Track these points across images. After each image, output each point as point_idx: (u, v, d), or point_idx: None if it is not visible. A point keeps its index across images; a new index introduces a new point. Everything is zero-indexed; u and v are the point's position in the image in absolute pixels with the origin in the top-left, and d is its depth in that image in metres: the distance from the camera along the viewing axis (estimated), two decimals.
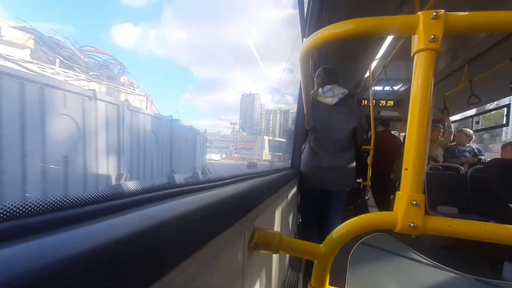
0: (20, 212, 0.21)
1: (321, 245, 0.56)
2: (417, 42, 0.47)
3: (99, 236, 0.19)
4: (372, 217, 0.53)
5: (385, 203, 3.10)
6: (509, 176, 2.20)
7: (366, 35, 0.52)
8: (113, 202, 0.31)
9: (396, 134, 4.37)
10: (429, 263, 0.62)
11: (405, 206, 0.48)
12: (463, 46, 2.47)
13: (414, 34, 0.48)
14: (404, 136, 4.12)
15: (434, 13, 0.45)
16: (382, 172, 2.73)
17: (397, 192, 0.50)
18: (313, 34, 0.56)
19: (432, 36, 0.45)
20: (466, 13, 0.46)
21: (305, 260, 1.62)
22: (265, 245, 0.56)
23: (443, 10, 0.46)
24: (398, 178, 3.39)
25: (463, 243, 2.31)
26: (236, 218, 0.43)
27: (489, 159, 2.78)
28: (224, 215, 0.38)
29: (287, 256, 1.42)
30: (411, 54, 0.49)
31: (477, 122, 3.27)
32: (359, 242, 0.62)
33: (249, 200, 0.50)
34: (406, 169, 0.49)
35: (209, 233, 0.33)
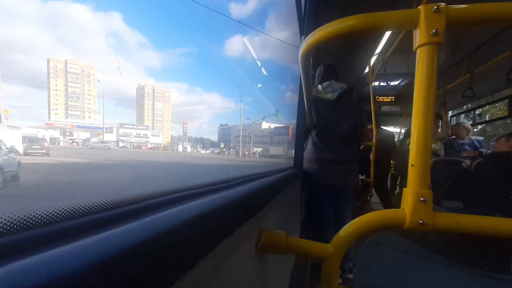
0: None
1: (329, 244, 0.56)
2: (419, 37, 0.46)
3: (113, 242, 0.18)
4: (379, 215, 0.53)
5: (384, 198, 3.08)
6: (504, 169, 2.19)
7: (367, 31, 0.52)
8: (115, 211, 0.30)
9: (398, 130, 4.36)
10: (438, 259, 0.62)
11: (413, 203, 0.47)
12: (463, 39, 2.46)
13: (415, 29, 0.47)
14: (400, 132, 4.12)
15: (435, 7, 0.44)
16: (376, 168, 2.74)
17: (404, 189, 0.50)
18: (313, 32, 0.55)
19: (434, 30, 0.45)
20: (467, 5, 0.45)
21: (311, 260, 1.61)
22: (272, 247, 0.55)
23: (444, 4, 0.45)
24: (399, 174, 3.37)
25: (469, 239, 2.29)
26: (242, 221, 0.42)
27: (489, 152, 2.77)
28: (230, 218, 0.38)
29: (293, 257, 1.41)
30: (413, 49, 0.48)
31: (479, 115, 3.24)
32: (368, 240, 0.61)
33: (254, 202, 0.50)
34: (412, 165, 0.48)
35: (216, 237, 0.33)
